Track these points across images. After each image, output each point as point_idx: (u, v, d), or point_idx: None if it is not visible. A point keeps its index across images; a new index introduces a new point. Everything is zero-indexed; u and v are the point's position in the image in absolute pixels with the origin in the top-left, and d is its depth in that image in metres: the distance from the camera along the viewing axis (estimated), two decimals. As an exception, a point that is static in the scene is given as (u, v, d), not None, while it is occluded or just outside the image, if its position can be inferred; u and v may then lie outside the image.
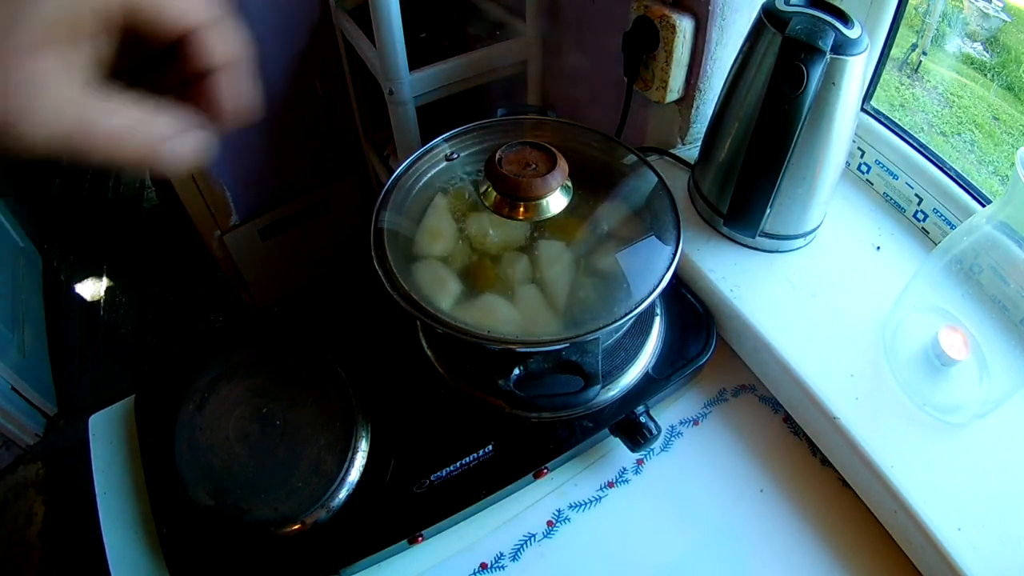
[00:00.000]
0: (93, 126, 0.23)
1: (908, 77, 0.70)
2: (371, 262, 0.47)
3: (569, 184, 0.44)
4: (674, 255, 0.48)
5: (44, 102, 0.22)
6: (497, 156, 0.46)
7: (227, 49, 0.26)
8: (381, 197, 0.51)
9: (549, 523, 0.53)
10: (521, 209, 0.43)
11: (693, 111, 0.69)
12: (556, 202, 0.43)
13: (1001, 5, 0.61)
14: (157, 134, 0.25)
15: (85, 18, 0.23)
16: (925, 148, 0.63)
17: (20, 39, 0.22)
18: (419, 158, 0.53)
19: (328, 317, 0.61)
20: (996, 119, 0.65)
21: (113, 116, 0.24)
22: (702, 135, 0.65)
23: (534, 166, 0.42)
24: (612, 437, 0.55)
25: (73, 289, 1.86)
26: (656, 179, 0.53)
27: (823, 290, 0.58)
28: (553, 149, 0.43)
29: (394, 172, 0.53)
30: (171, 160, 0.25)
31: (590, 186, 0.53)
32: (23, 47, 0.22)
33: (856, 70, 0.50)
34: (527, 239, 0.51)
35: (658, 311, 0.58)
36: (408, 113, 0.93)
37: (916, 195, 0.63)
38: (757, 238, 0.60)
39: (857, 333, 0.55)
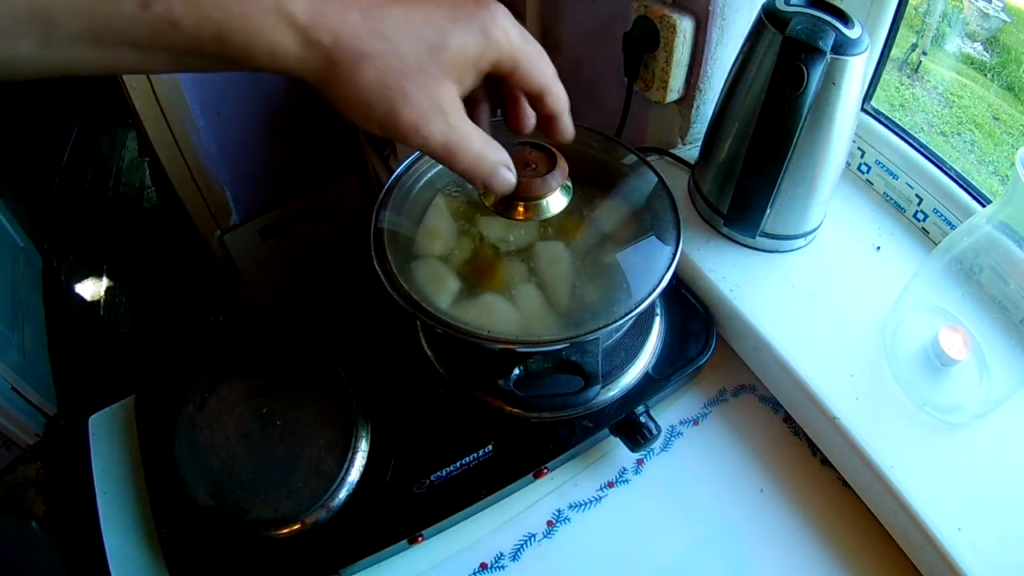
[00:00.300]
0: (465, 142, 0.33)
1: (908, 77, 0.70)
2: (371, 262, 0.47)
3: (569, 184, 0.44)
4: (674, 255, 0.48)
5: (441, 116, 0.31)
6: None
7: (565, 100, 0.37)
8: (381, 197, 0.51)
9: (549, 523, 0.53)
10: (521, 209, 0.43)
11: (693, 111, 0.69)
12: (556, 202, 0.43)
13: (1001, 5, 0.61)
14: (499, 160, 0.35)
15: (480, 63, 0.32)
16: (925, 148, 0.63)
17: (435, 69, 0.31)
18: (419, 158, 0.53)
19: (328, 317, 0.61)
20: (996, 119, 0.65)
21: (477, 139, 0.34)
22: (702, 135, 0.65)
23: (534, 166, 0.42)
24: (612, 437, 0.55)
25: (73, 289, 1.86)
26: (656, 179, 0.53)
27: (823, 290, 0.58)
28: (553, 149, 0.43)
29: (394, 172, 0.53)
30: (499, 183, 0.36)
31: (590, 186, 0.53)
32: (437, 75, 0.31)
33: (856, 70, 0.50)
34: (528, 239, 0.51)
35: (658, 311, 0.58)
36: (408, 113, 0.93)
37: (916, 195, 0.63)
38: (757, 238, 0.60)
39: (857, 333, 0.55)
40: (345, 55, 0.29)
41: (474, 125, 0.34)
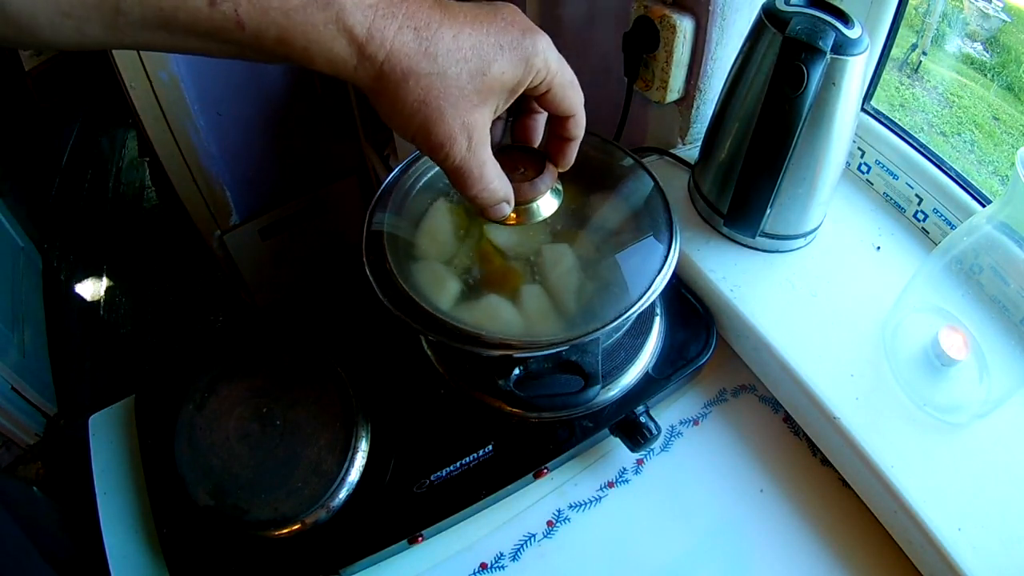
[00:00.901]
0: (478, 170, 0.35)
1: (908, 77, 0.70)
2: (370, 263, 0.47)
3: (559, 187, 0.43)
4: (666, 256, 0.48)
5: (466, 140, 0.33)
6: None
7: (583, 128, 0.40)
8: (375, 200, 0.50)
9: (549, 523, 0.53)
10: (512, 214, 0.42)
11: (693, 111, 0.69)
12: (547, 205, 0.42)
13: (1001, 5, 0.61)
14: (504, 197, 0.38)
15: (517, 88, 0.34)
16: (925, 148, 0.63)
17: (474, 93, 0.32)
18: (414, 161, 0.53)
19: (328, 317, 0.61)
20: (996, 119, 0.65)
21: (489, 171, 0.36)
22: (702, 135, 0.65)
23: (523, 170, 0.42)
24: (612, 437, 0.55)
25: (73, 289, 1.86)
26: (652, 183, 0.53)
27: (823, 290, 0.58)
28: (541, 152, 0.43)
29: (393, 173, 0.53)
30: (494, 214, 0.38)
31: (587, 188, 0.53)
32: (474, 99, 0.33)
33: (856, 70, 0.50)
34: (531, 242, 0.51)
35: (658, 311, 0.58)
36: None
37: (916, 195, 0.63)
38: (757, 238, 0.60)
39: (857, 333, 0.55)
40: (394, 71, 0.31)
41: (491, 156, 0.36)
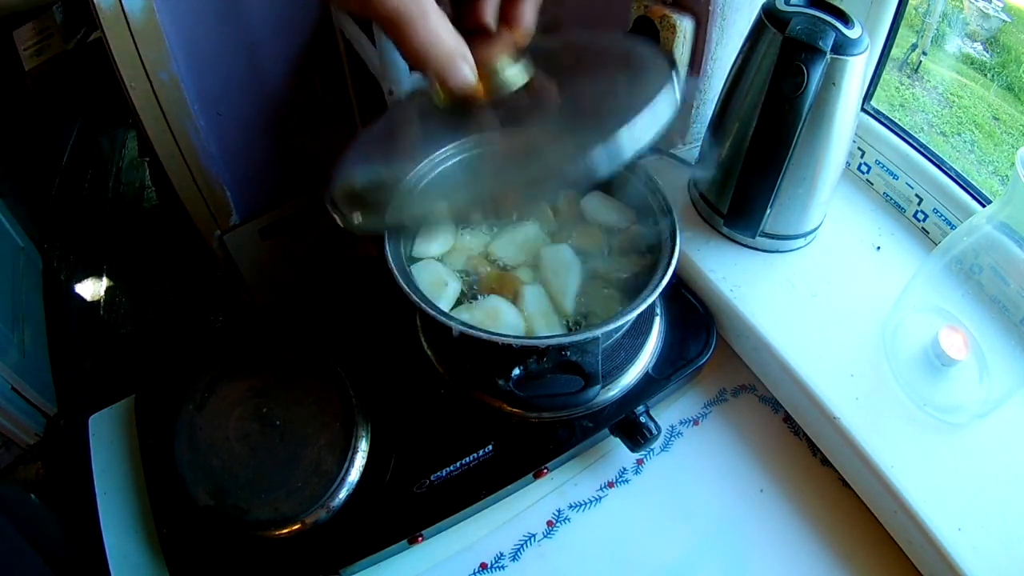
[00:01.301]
0: (422, 19, 0.29)
1: (908, 77, 0.70)
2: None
3: (527, 62, 0.36)
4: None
5: None
6: None
7: None
8: (351, 148, 0.46)
9: (549, 523, 0.53)
10: (478, 85, 0.34)
11: (693, 111, 0.69)
12: (514, 72, 0.35)
13: (1001, 5, 0.61)
14: (459, 51, 0.31)
15: None
16: (925, 148, 0.63)
17: None
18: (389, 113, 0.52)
19: (328, 317, 0.61)
20: (996, 119, 0.65)
21: (436, 18, 0.29)
22: (702, 135, 0.65)
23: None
24: (612, 437, 0.55)
25: (73, 289, 1.85)
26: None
27: (823, 290, 0.58)
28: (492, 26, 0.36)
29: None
30: (458, 78, 0.31)
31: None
32: None
33: (856, 70, 0.50)
34: (532, 248, 0.51)
35: (658, 311, 0.58)
36: (408, 113, 0.93)
37: (916, 195, 0.63)
38: (757, 238, 0.60)
39: (857, 333, 0.55)
40: None
41: (435, 5, 0.29)
